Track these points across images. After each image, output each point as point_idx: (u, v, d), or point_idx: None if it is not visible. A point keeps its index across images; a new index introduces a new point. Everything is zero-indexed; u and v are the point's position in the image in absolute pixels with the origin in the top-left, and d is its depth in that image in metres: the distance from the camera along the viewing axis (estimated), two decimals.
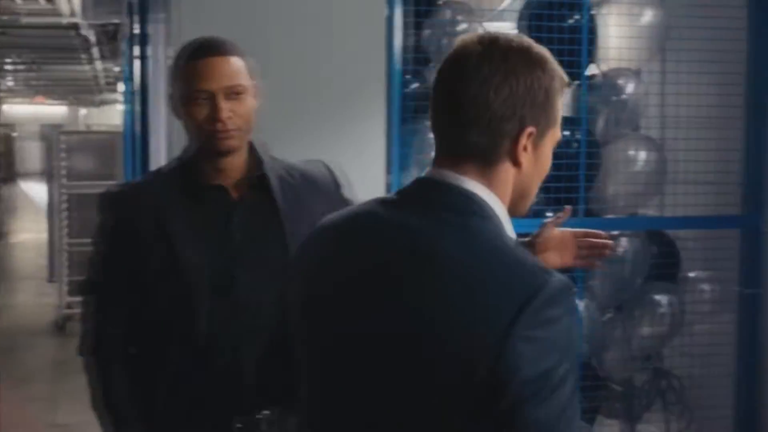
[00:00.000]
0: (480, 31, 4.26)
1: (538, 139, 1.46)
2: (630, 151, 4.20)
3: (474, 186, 1.44)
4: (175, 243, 2.11)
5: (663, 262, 4.36)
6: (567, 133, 4.12)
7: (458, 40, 1.50)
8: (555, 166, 3.99)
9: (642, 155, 4.21)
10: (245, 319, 2.13)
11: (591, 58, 4.19)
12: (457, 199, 1.44)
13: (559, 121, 1.50)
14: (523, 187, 1.50)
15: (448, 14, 4.19)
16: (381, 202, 1.53)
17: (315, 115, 3.65)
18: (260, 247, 2.18)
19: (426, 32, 4.18)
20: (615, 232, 4.24)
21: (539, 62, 1.46)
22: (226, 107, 2.09)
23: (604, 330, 4.30)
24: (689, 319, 4.42)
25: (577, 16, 4.04)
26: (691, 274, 4.48)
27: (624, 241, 4.23)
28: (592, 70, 4.27)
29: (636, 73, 4.30)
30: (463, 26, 4.20)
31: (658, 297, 4.29)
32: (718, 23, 4.23)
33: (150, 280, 2.13)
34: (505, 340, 1.28)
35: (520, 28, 4.19)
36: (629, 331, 4.26)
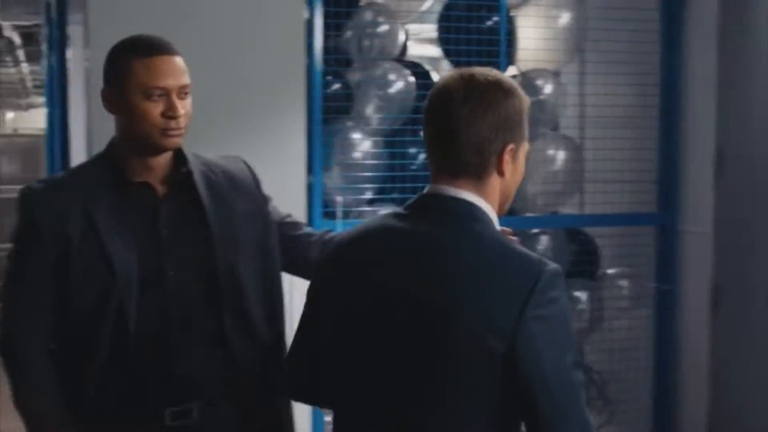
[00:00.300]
0: (401, 32, 4.34)
1: (516, 152, 1.81)
2: (549, 150, 4.28)
3: (471, 197, 1.79)
4: (105, 237, 2.12)
5: (582, 259, 4.45)
6: None
7: (441, 80, 1.87)
8: None
9: (560, 155, 4.28)
10: (174, 312, 2.18)
11: (510, 59, 4.26)
12: (461, 208, 1.78)
13: (527, 135, 1.85)
14: (507, 192, 1.85)
15: (368, 16, 4.23)
16: (394, 215, 1.87)
17: (235, 115, 3.65)
18: (186, 243, 2.22)
19: (347, 33, 4.21)
20: (535, 231, 4.32)
21: (511, 92, 1.80)
22: (179, 105, 2.13)
23: None
24: (608, 315, 4.52)
25: (495, 18, 4.10)
26: (610, 271, 4.57)
27: (544, 239, 4.31)
28: (511, 71, 4.34)
29: (554, 74, 4.38)
30: (383, 28, 4.25)
31: (577, 294, 4.37)
32: (633, 26, 4.34)
33: (77, 275, 2.13)
34: (519, 320, 1.64)
35: (439, 29, 4.25)
36: None
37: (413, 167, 4.16)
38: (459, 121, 1.76)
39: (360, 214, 3.96)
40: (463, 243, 1.75)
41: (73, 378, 2.18)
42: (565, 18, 4.31)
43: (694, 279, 4.21)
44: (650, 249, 4.50)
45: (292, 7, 3.77)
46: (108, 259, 2.12)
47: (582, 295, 4.39)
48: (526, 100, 1.84)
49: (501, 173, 1.80)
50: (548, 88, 4.26)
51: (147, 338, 2.16)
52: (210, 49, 3.56)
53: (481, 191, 1.79)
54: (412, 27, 4.57)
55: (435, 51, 4.39)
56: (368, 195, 4.08)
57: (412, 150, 4.20)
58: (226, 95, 3.62)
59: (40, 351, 2.18)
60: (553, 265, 1.70)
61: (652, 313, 4.52)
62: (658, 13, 4.38)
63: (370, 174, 4.00)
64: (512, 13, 4.28)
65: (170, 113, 2.11)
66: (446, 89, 1.81)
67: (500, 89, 1.79)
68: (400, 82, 4.11)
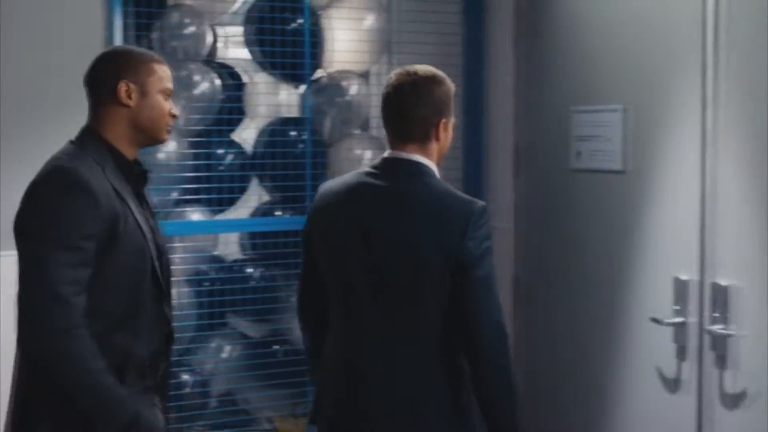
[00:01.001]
0: (209, 33, 4.33)
1: (447, 124, 2.65)
2: (356, 150, 4.35)
3: (419, 158, 2.59)
4: (133, 211, 2.44)
5: None
6: (294, 133, 4.24)
7: (393, 75, 2.63)
8: (282, 166, 4.08)
9: (368, 154, 4.36)
10: (168, 275, 2.63)
11: (317, 60, 4.32)
12: (413, 166, 2.58)
13: (453, 111, 2.67)
14: (441, 152, 2.67)
15: (176, 17, 4.20)
16: (365, 173, 2.63)
17: (34, 117, 3.60)
18: (157, 221, 2.68)
19: (155, 35, 4.17)
20: None
21: (442, 82, 2.63)
22: None
23: None
24: None
25: (300, 20, 4.15)
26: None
27: None
28: (320, 72, 4.40)
29: (361, 75, 4.46)
30: (191, 29, 4.22)
31: None
32: (438, 28, 4.47)
33: (127, 246, 2.40)
34: (461, 241, 2.46)
35: (247, 31, 4.27)
36: None
37: (221, 168, 4.18)
38: (407, 106, 2.58)
39: (167, 215, 3.94)
40: (418, 190, 2.55)
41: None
42: (371, 20, 4.39)
43: (498, 274, 4.36)
44: None
45: (91, 8, 3.72)
46: (140, 230, 2.46)
47: None
48: (452, 87, 2.66)
49: (438, 140, 2.62)
50: (354, 89, 4.34)
51: (163, 295, 2.58)
52: (10, 50, 3.51)
53: (425, 153, 2.60)
54: (223, 29, 4.56)
55: (245, 53, 4.40)
56: (175, 196, 4.06)
57: (220, 151, 4.21)
58: (27, 97, 3.58)
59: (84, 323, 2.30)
60: (481, 203, 2.54)
61: None
62: (461, 17, 4.53)
63: (176, 175, 3.99)
64: (320, 15, 4.34)
65: (172, 112, 2.57)
66: (397, 83, 2.60)
67: (434, 81, 2.62)
68: (205, 84, 4.11)
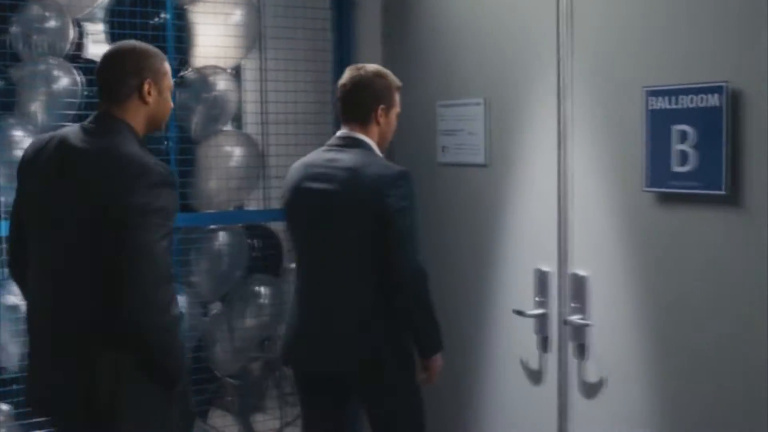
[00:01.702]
0: (71, 27, 4.20)
1: (388, 111, 3.21)
2: (226, 147, 4.29)
3: (361, 136, 3.17)
4: None
5: (266, 254, 4.48)
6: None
7: (345, 71, 3.27)
8: None
9: (238, 151, 4.30)
10: None
11: (184, 56, 4.24)
12: (357, 141, 3.15)
13: (396, 101, 3.25)
14: (385, 135, 3.24)
15: (36, 10, 4.05)
16: (325, 149, 3.22)
17: None
18: None
19: (15, 28, 4.03)
20: (214, 227, 4.31)
21: (383, 76, 3.22)
22: None
23: (211, 324, 4.36)
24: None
25: (163, 15, 4.07)
26: (293, 265, 4.63)
27: (223, 236, 4.31)
28: (188, 68, 4.31)
29: (228, 71, 4.39)
30: (52, 23, 4.08)
31: (259, 288, 4.41)
32: (308, 24, 4.44)
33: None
34: (385, 198, 3.00)
35: (110, 25, 4.16)
36: (234, 324, 4.34)
37: None
38: (353, 95, 3.17)
39: None
40: (363, 161, 3.08)
41: None
42: (239, 15, 4.32)
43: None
44: None
45: None
46: None
47: (264, 290, 4.43)
48: (393, 80, 3.23)
49: (378, 123, 3.17)
50: (222, 85, 4.26)
51: None
52: None
53: (367, 132, 3.16)
54: (90, 25, 4.43)
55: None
56: None
57: None
58: None
59: None
60: (404, 169, 3.11)
61: None
62: (331, 13, 4.50)
63: None
64: (186, 9, 4.25)
65: (171, 107, 2.85)
66: (345, 77, 3.22)
67: (376, 75, 3.20)
68: (66, 79, 3.98)
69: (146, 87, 2.69)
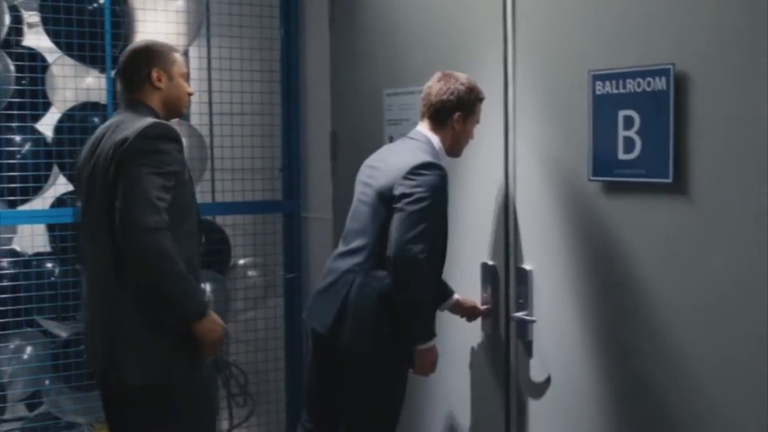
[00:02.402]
0: (6, 15, 4.03)
1: (466, 118, 3.12)
2: None
3: (429, 133, 3.13)
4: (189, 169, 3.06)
5: (213, 249, 4.33)
6: (97, 119, 3.99)
7: (436, 75, 3.14)
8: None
9: (184, 142, 4.14)
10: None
11: (127, 43, 4.08)
12: (419, 135, 3.15)
13: (478, 111, 3.14)
14: (459, 142, 3.14)
15: None
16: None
17: None
18: None
19: None
20: None
21: (471, 86, 3.10)
22: None
23: None
24: (240, 306, 4.44)
25: (101, 0, 3.91)
26: (241, 261, 4.50)
27: None
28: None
29: None
30: None
31: (204, 286, 4.25)
32: (255, 11, 4.29)
33: (182, 188, 2.95)
34: (399, 183, 2.97)
35: (43, 9, 3.99)
36: None
37: (17, 156, 3.90)
38: (433, 99, 3.11)
39: None
40: (406, 149, 3.09)
41: None
42: (181, 1, 4.17)
43: (317, 265, 4.21)
44: (278, 237, 4.48)
45: None
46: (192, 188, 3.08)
47: (212, 286, 4.27)
48: (478, 92, 3.09)
49: (453, 128, 3.09)
50: None
51: None
52: None
53: (438, 133, 3.11)
54: (27, 13, 4.26)
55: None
56: None
57: (17, 138, 3.94)
58: None
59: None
60: (431, 161, 2.99)
61: (282, 303, 4.51)
62: (278, 1, 4.37)
63: None
64: None
65: (189, 92, 3.18)
66: (432, 81, 3.14)
67: (461, 84, 3.07)
68: None
69: (155, 74, 3.04)
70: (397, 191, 2.97)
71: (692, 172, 2.42)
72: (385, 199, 3.02)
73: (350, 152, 4.05)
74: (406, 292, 2.94)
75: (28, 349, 4.02)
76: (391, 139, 3.69)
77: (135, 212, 2.77)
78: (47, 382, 4.09)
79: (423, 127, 3.12)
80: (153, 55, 3.08)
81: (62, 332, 4.15)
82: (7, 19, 4.02)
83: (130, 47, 3.14)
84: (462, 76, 3.09)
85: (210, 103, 4.41)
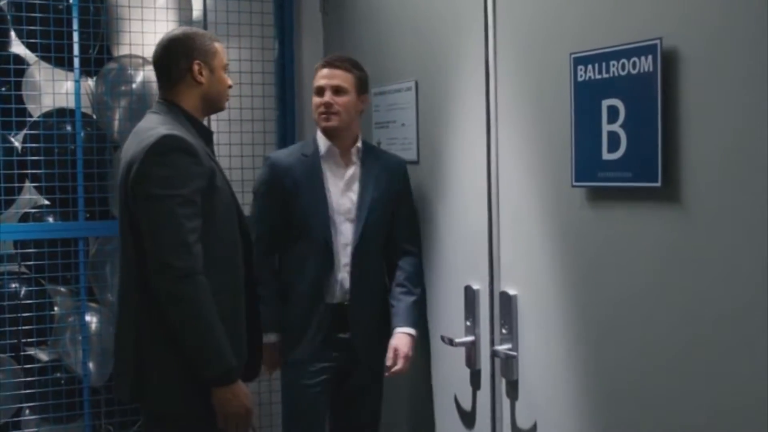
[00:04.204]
0: None
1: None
2: None
3: None
4: (221, 168, 2.73)
5: None
6: (69, 128, 3.65)
7: None
8: (56, 164, 3.38)
9: None
10: (245, 227, 2.84)
11: (106, 43, 3.76)
12: None
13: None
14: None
15: None
16: None
17: None
18: None
19: None
20: None
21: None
22: None
23: None
24: None
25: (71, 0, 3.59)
26: None
27: None
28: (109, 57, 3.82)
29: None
30: None
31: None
32: (245, 7, 3.94)
33: (217, 197, 2.65)
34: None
35: (10, 8, 3.69)
36: None
37: None
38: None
39: None
40: None
41: None
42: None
43: None
44: None
45: None
46: (227, 182, 2.74)
47: None
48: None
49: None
50: (145, 76, 3.75)
51: None
52: None
53: None
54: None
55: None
56: None
57: None
58: None
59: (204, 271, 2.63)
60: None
61: None
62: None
63: None
64: None
65: (230, 84, 2.82)
66: None
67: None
68: None
69: (196, 68, 2.71)
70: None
71: (684, 173, 1.91)
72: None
73: None
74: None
75: None
76: (379, 144, 3.25)
77: (166, 256, 2.45)
78: (27, 411, 3.77)
79: None
80: (193, 45, 2.72)
81: (42, 355, 3.83)
82: None
83: (165, 36, 2.78)
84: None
85: None
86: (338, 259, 2.98)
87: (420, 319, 3.01)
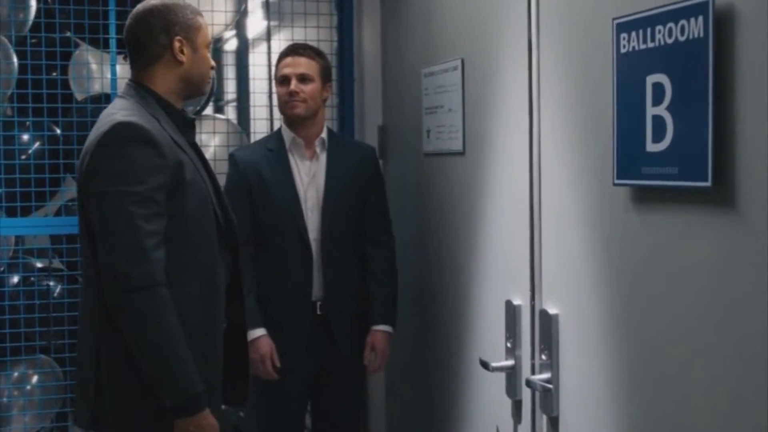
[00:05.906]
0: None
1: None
2: (201, 135, 3.49)
3: None
4: (192, 159, 2.36)
5: None
6: None
7: None
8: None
9: (217, 139, 3.56)
10: (229, 222, 2.53)
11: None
12: None
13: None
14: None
15: None
16: None
17: None
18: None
19: None
20: None
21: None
22: None
23: None
24: None
25: None
26: None
27: None
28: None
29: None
30: None
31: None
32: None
33: (186, 192, 2.32)
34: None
35: None
36: None
37: (23, 157, 3.40)
38: None
39: None
40: None
41: None
42: None
43: None
44: None
45: None
46: (201, 175, 2.37)
47: None
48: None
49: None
50: None
51: None
52: None
53: None
54: None
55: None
56: None
57: (25, 137, 3.44)
58: None
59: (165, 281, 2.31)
60: None
61: None
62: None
63: None
64: None
65: (213, 65, 2.47)
66: None
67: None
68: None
69: (177, 45, 2.34)
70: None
71: (740, 171, 1.46)
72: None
73: (399, 149, 3.28)
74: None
75: (35, 378, 3.48)
76: (429, 134, 2.87)
77: (117, 263, 2.12)
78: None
79: None
80: (175, 18, 2.35)
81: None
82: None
83: (141, 6, 2.39)
84: None
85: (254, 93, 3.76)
86: (314, 252, 2.90)
87: (396, 313, 3.00)
